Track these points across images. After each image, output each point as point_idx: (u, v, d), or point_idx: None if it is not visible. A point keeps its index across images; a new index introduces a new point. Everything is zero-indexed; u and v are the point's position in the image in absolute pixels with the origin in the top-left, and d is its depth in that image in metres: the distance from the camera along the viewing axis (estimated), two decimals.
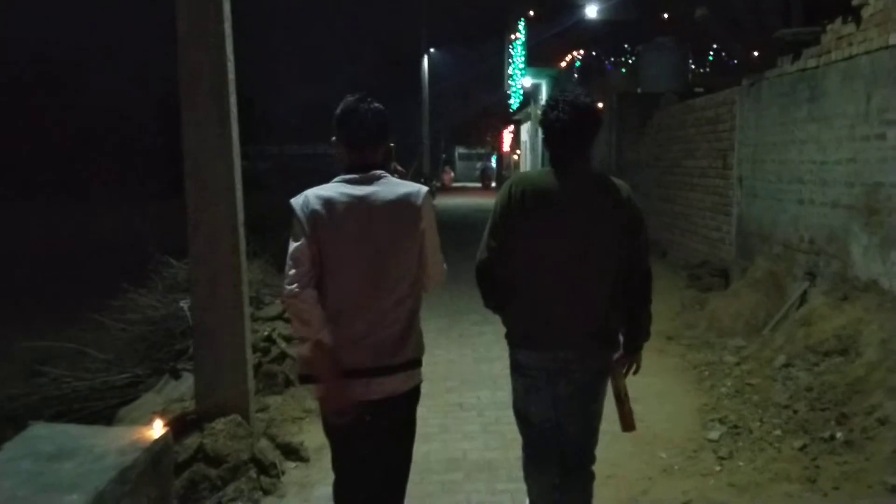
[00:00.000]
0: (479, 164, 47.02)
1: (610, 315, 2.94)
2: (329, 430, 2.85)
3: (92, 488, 2.39)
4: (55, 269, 10.38)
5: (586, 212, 2.89)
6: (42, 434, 2.84)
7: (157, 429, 2.85)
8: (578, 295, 2.88)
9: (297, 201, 2.67)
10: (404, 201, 2.73)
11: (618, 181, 3.02)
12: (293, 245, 2.62)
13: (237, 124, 4.28)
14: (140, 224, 12.15)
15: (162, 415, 4.15)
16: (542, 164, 3.73)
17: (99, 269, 9.24)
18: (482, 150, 49.91)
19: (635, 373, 3.13)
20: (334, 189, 2.70)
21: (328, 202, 2.64)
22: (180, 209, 4.37)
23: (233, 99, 4.24)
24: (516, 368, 3.08)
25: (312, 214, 2.62)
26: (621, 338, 3.04)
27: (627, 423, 3.14)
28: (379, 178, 2.74)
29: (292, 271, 2.58)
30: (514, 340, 3.04)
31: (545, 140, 3.03)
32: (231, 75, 4.23)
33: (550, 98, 3.02)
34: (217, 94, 4.20)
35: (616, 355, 3.04)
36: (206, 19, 4.12)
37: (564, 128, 2.90)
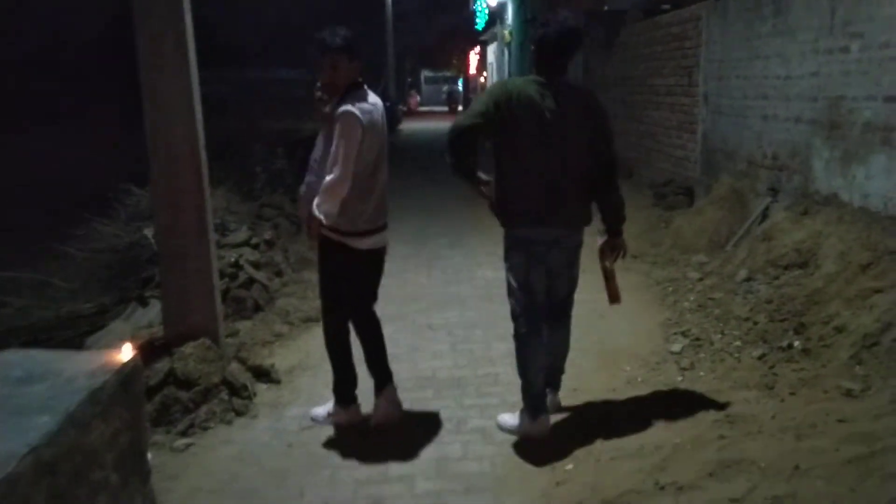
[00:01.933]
0: (445, 88, 46.44)
1: (587, 198, 3.69)
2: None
3: (62, 410, 2.39)
4: (12, 200, 10.15)
5: (566, 116, 3.55)
6: (10, 359, 2.83)
7: (127, 352, 2.85)
8: (563, 183, 3.57)
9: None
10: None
11: (588, 90, 3.79)
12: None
13: (194, 42, 4.16)
14: (98, 151, 11.90)
15: (131, 340, 4.15)
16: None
17: (58, 198, 9.07)
18: (448, 73, 49.27)
19: (623, 257, 3.85)
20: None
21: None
22: (137, 135, 4.29)
23: (188, 15, 4.11)
24: (518, 245, 3.70)
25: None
26: (602, 223, 3.75)
27: (613, 296, 3.86)
28: None
29: None
30: (518, 221, 3.67)
31: (535, 54, 3.64)
32: None
33: (544, 18, 3.70)
34: (172, 12, 4.07)
35: (601, 240, 3.78)
36: None
37: (555, 46, 3.57)
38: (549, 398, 3.96)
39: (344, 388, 4.00)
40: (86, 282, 6.23)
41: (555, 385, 4.03)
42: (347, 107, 3.58)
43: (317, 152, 3.78)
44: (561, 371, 4.03)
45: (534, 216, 3.62)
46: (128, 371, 2.87)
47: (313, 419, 4.02)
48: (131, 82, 4.43)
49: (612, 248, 3.78)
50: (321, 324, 4.07)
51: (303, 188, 3.83)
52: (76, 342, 5.29)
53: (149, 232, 5.92)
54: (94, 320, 5.68)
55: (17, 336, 5.45)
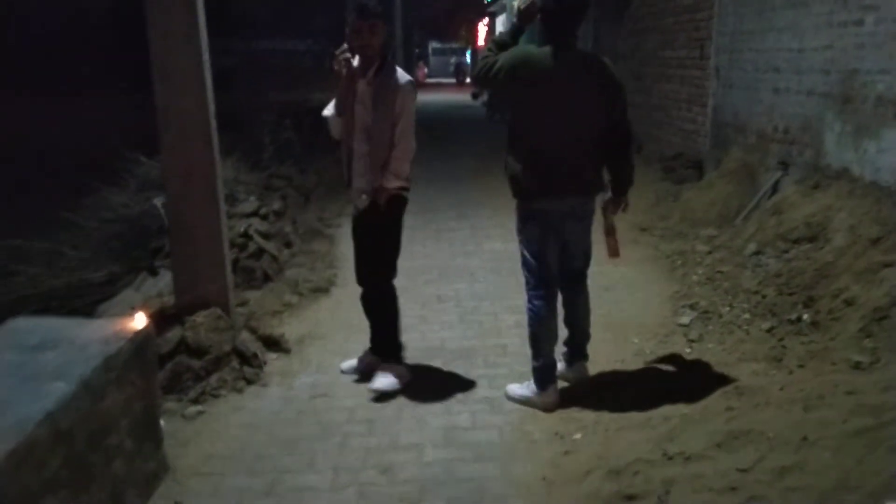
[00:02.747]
0: (453, 59, 46.07)
1: (600, 167, 3.74)
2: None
3: (77, 376, 2.42)
4: (23, 169, 10.17)
5: (579, 84, 3.57)
6: (24, 326, 2.86)
7: (140, 319, 2.88)
8: (577, 153, 3.60)
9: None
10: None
11: (602, 58, 3.75)
12: None
13: (204, 11, 4.14)
14: (107, 119, 11.87)
15: (142, 309, 4.17)
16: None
17: (67, 166, 9.07)
18: (456, 45, 48.85)
19: (625, 210, 3.90)
20: None
21: None
22: (145, 103, 4.28)
23: None
24: (533, 217, 3.71)
25: None
26: (609, 182, 3.82)
27: (613, 251, 3.93)
28: None
29: None
30: (533, 192, 3.65)
31: (545, 23, 3.63)
32: None
33: None
34: None
35: (606, 197, 3.85)
36: None
37: (562, 10, 3.58)
38: (576, 366, 4.05)
39: (399, 347, 4.21)
40: (96, 251, 6.24)
41: (582, 353, 4.07)
42: (407, 77, 3.85)
43: (361, 119, 3.82)
44: (586, 337, 4.07)
45: (548, 186, 3.63)
46: (141, 339, 2.90)
47: (383, 390, 4.00)
48: (140, 52, 4.42)
49: (616, 205, 3.85)
50: (375, 289, 4.12)
51: (355, 158, 3.89)
52: (87, 311, 5.32)
53: (159, 202, 5.93)
54: (104, 289, 5.71)
55: (28, 304, 5.48)
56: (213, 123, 4.27)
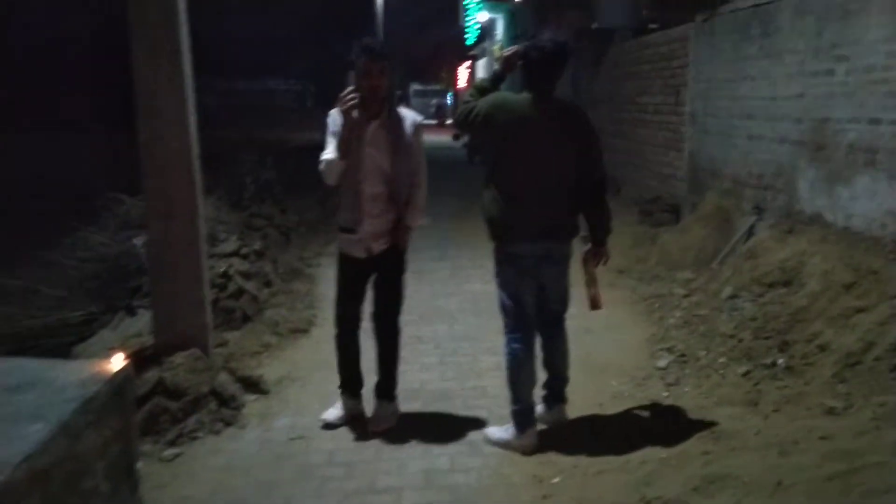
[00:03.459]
0: (434, 101, 46.53)
1: (574, 212, 3.79)
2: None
3: (55, 419, 2.39)
4: (11, 203, 10.12)
5: (555, 132, 3.66)
6: (1, 367, 2.83)
7: (118, 361, 2.86)
8: (552, 198, 3.68)
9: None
10: None
11: (577, 106, 3.92)
12: None
13: (189, 54, 4.19)
14: (86, 158, 11.84)
15: (120, 350, 4.15)
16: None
17: (46, 205, 9.04)
18: (437, 87, 49.39)
19: (605, 263, 3.94)
20: None
21: None
22: (126, 143, 4.31)
23: (184, 26, 4.15)
24: (509, 260, 3.76)
25: None
26: (587, 232, 3.88)
27: (595, 303, 3.92)
28: None
29: None
30: (508, 236, 3.73)
31: (526, 71, 3.71)
32: (183, 4, 4.13)
33: (534, 35, 3.91)
34: (168, 21, 4.10)
35: (585, 248, 3.90)
36: None
37: (544, 61, 3.64)
38: (555, 410, 4.06)
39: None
40: (74, 290, 6.20)
41: (560, 396, 4.08)
42: (415, 114, 4.02)
43: (374, 161, 3.82)
44: (565, 381, 4.08)
45: (524, 230, 3.68)
46: (119, 380, 2.88)
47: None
48: (124, 90, 4.46)
49: (596, 256, 3.89)
50: (392, 326, 4.14)
51: (366, 201, 3.87)
52: (64, 351, 5.28)
53: (138, 241, 5.91)
54: (81, 329, 5.66)
55: (3, 343, 5.43)
56: (197, 164, 4.30)
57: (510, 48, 3.88)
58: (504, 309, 3.84)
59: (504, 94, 3.81)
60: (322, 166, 3.82)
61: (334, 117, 3.84)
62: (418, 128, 3.95)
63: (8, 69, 24.16)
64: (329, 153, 3.80)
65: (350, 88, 3.73)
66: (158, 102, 4.15)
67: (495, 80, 3.91)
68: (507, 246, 3.77)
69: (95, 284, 6.27)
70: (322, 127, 4.00)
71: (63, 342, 5.50)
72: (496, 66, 4.00)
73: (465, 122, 3.78)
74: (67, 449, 2.43)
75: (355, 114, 3.72)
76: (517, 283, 3.77)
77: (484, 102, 3.71)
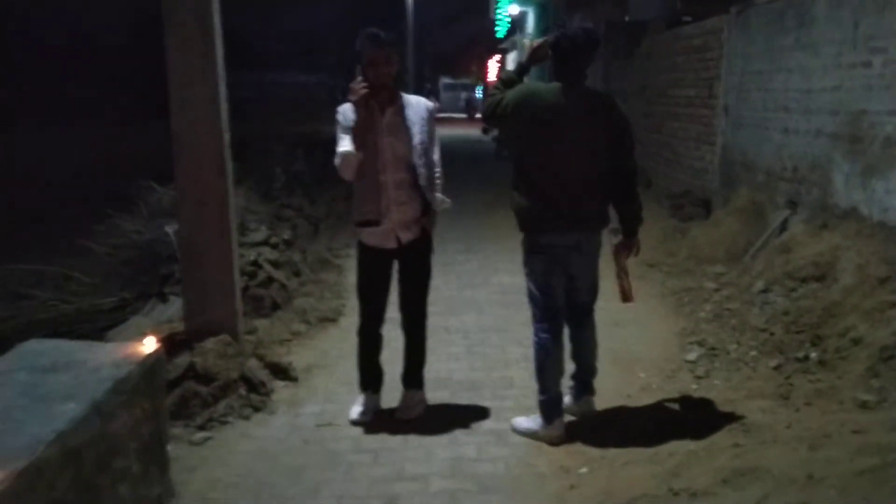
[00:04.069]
0: (463, 95, 46.50)
1: (604, 202, 3.76)
2: None
3: (88, 398, 2.44)
4: (37, 195, 10.30)
5: (586, 122, 3.61)
6: (36, 349, 2.89)
7: (150, 344, 2.90)
8: (583, 188, 3.64)
9: None
10: None
11: (610, 95, 3.84)
12: None
13: (222, 45, 4.22)
14: (121, 148, 12.00)
15: (152, 334, 4.20)
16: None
17: (81, 193, 9.18)
18: (467, 81, 49.34)
19: (636, 254, 3.87)
20: None
21: None
22: (161, 132, 4.35)
23: (217, 18, 4.18)
24: (538, 250, 3.75)
25: None
26: (619, 225, 3.82)
27: (627, 295, 3.87)
28: None
29: None
30: (538, 227, 3.71)
31: (555, 60, 3.66)
32: None
33: (561, 21, 3.81)
34: (201, 14, 4.13)
35: (616, 239, 3.85)
36: None
37: (573, 48, 3.59)
38: (583, 401, 4.04)
39: None
40: (107, 277, 6.29)
41: (588, 388, 4.06)
42: (426, 100, 4.00)
43: (393, 149, 3.80)
44: (593, 372, 4.05)
45: (553, 221, 3.66)
46: (151, 363, 2.92)
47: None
48: (158, 81, 4.51)
49: (627, 248, 3.83)
50: (421, 314, 4.13)
51: (392, 189, 3.84)
52: (97, 336, 5.36)
53: (170, 229, 5.99)
54: (114, 315, 5.75)
55: (39, 328, 5.52)
56: (228, 154, 4.34)
57: (538, 40, 3.84)
58: (532, 299, 3.83)
59: (532, 85, 3.80)
60: (337, 161, 3.76)
61: (345, 112, 3.79)
62: (431, 113, 3.93)
63: (42, 63, 24.59)
64: (344, 147, 3.74)
65: (359, 79, 3.69)
66: (191, 94, 4.19)
67: (521, 72, 3.88)
68: (537, 236, 3.75)
69: (128, 271, 6.36)
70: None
71: (96, 328, 5.59)
72: (522, 56, 3.97)
73: (493, 115, 3.75)
74: (100, 428, 2.47)
75: (364, 104, 3.68)
76: (546, 274, 3.75)
77: (512, 94, 3.67)
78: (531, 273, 3.81)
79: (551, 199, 3.64)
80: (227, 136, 4.33)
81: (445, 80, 50.34)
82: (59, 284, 6.14)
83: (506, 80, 3.85)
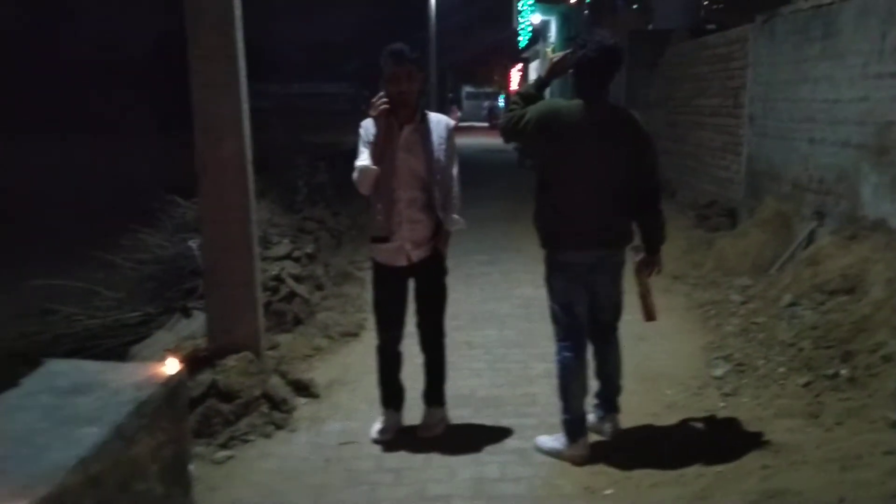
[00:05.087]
0: (485, 104, 46.50)
1: (627, 219, 3.70)
2: None
3: (110, 421, 2.43)
4: (61, 208, 10.39)
5: (608, 139, 3.55)
6: (58, 370, 2.89)
7: (173, 365, 2.89)
8: (605, 205, 3.59)
9: None
10: None
11: (631, 112, 3.72)
12: None
13: (245, 60, 4.23)
14: (144, 162, 12.09)
15: (174, 352, 4.21)
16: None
17: (105, 207, 9.25)
18: (489, 90, 49.35)
19: (658, 272, 3.84)
20: None
21: None
22: (182, 146, 4.37)
23: (240, 34, 4.19)
24: (559, 268, 3.71)
25: None
26: (642, 242, 3.76)
27: (650, 314, 3.85)
28: None
29: None
30: (559, 244, 3.68)
31: (576, 76, 3.63)
32: (238, 11, 4.18)
33: (581, 39, 3.65)
34: (223, 28, 4.15)
35: (638, 257, 3.79)
36: None
37: (593, 66, 3.54)
38: (608, 419, 3.98)
39: None
40: (131, 291, 6.34)
41: (613, 406, 4.00)
42: (447, 118, 3.96)
43: (409, 166, 3.77)
44: (618, 390, 4.00)
45: (575, 238, 3.62)
46: (173, 384, 2.91)
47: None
48: (178, 95, 4.54)
49: (649, 265, 3.79)
50: (438, 332, 4.11)
51: (403, 207, 3.80)
52: (121, 351, 5.39)
53: (193, 244, 6.02)
54: (138, 330, 5.79)
55: (63, 343, 5.57)
56: (250, 169, 4.35)
57: (559, 53, 3.80)
58: (555, 317, 3.79)
59: (554, 101, 3.75)
60: (355, 174, 3.76)
61: (366, 126, 3.79)
62: (451, 132, 3.90)
63: (67, 75, 24.92)
64: (362, 160, 3.75)
65: (380, 94, 3.71)
66: (213, 107, 4.20)
67: (540, 87, 3.84)
68: (559, 254, 3.71)
69: (152, 286, 6.40)
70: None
71: (121, 342, 5.62)
72: (542, 71, 3.93)
73: (514, 131, 3.71)
74: (122, 452, 2.46)
75: (384, 120, 3.68)
76: (568, 292, 3.71)
77: (533, 110, 3.62)
78: (553, 291, 3.77)
79: (572, 217, 3.61)
80: (249, 152, 4.34)
81: (468, 89, 50.37)
82: (84, 299, 6.19)
83: (525, 96, 3.80)
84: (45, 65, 26.69)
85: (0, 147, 16.41)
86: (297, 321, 5.65)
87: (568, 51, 3.72)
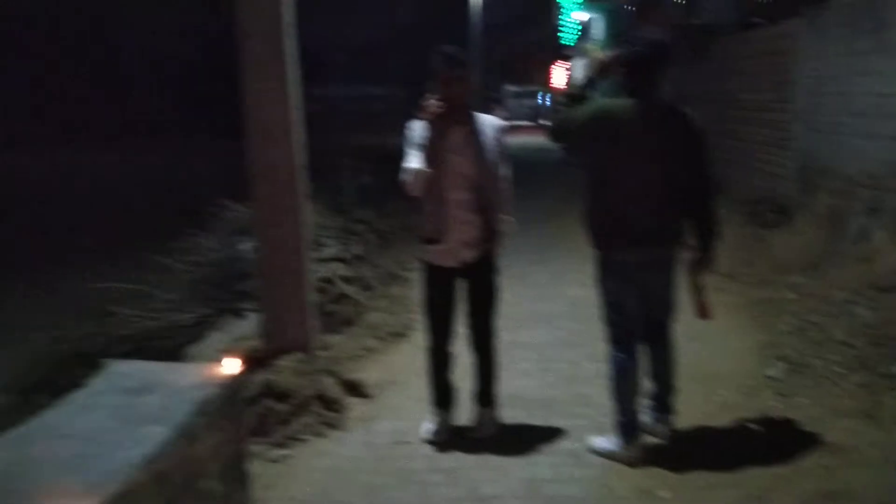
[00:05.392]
0: (528, 102, 46.34)
1: (679, 217, 3.66)
2: None
3: (175, 420, 2.50)
4: (118, 212, 10.64)
5: (660, 137, 3.53)
6: (123, 370, 2.97)
7: (233, 365, 2.96)
8: (657, 203, 3.56)
9: None
10: None
11: (684, 108, 3.67)
12: None
13: (296, 67, 4.30)
14: (197, 166, 12.32)
15: (231, 353, 4.28)
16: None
17: (160, 211, 9.45)
18: (532, 88, 49.14)
19: (712, 270, 3.76)
20: None
21: None
22: (236, 151, 4.46)
23: (290, 41, 4.26)
24: (611, 267, 3.69)
25: None
26: (696, 239, 3.69)
27: (705, 311, 3.77)
28: None
29: None
30: (611, 244, 3.65)
31: (626, 76, 3.58)
32: (287, 17, 4.25)
33: (631, 36, 3.71)
34: (273, 36, 4.22)
35: (692, 255, 3.72)
36: None
37: (644, 64, 3.54)
38: (662, 420, 3.95)
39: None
40: (185, 293, 6.46)
41: (667, 407, 3.97)
42: (496, 119, 3.98)
43: (459, 168, 3.80)
44: (672, 391, 3.95)
45: (628, 237, 3.60)
46: (233, 384, 2.98)
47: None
48: (230, 100, 4.62)
49: (703, 263, 3.72)
50: (489, 334, 4.11)
51: (453, 209, 3.83)
52: (177, 352, 5.50)
53: (245, 246, 6.11)
54: (193, 331, 5.88)
55: (122, 344, 5.70)
56: (303, 175, 4.42)
57: (607, 52, 3.78)
58: (606, 318, 3.77)
59: (604, 102, 3.70)
60: (406, 176, 3.78)
61: (416, 128, 3.82)
62: (501, 132, 3.91)
63: (123, 84, 25.51)
64: (413, 163, 3.77)
65: (431, 96, 3.73)
66: (264, 114, 4.28)
67: (588, 86, 3.83)
68: (609, 253, 3.69)
69: (205, 288, 6.51)
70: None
71: (176, 343, 5.73)
72: (590, 70, 3.91)
73: (564, 133, 3.72)
74: (186, 451, 2.53)
75: (436, 122, 3.70)
76: (620, 292, 3.69)
77: (583, 111, 3.61)
78: (605, 291, 3.75)
79: (624, 216, 3.58)
80: (300, 155, 4.41)
81: (510, 88, 50.20)
82: (140, 301, 6.33)
83: (574, 96, 3.80)
84: (102, 72, 27.35)
85: (59, 153, 16.86)
86: (347, 322, 5.71)
87: (617, 49, 3.71)
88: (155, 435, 2.40)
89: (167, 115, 24.39)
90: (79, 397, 2.72)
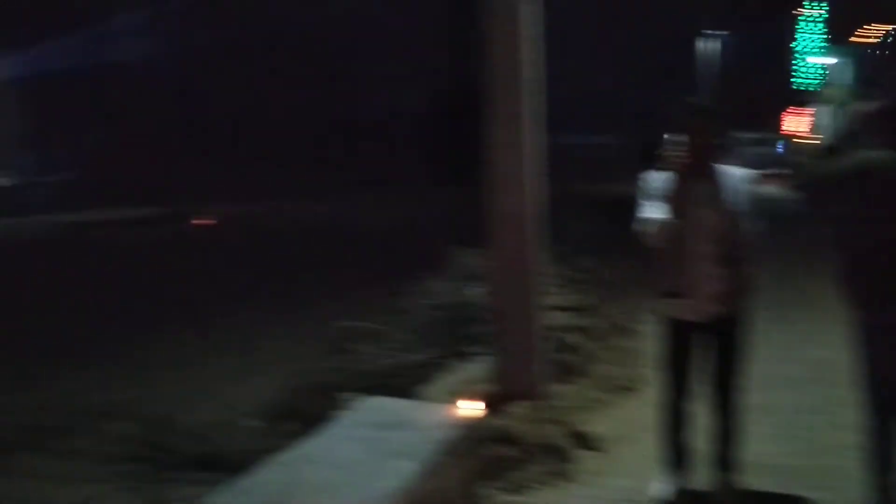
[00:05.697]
0: (764, 150, 44.11)
1: None
2: None
3: (420, 456, 2.62)
4: (363, 254, 11.38)
5: None
6: (373, 406, 3.17)
7: (473, 408, 3.05)
8: None
9: None
10: None
11: None
12: None
13: (540, 119, 4.43)
14: (434, 212, 12.91)
15: (466, 395, 4.40)
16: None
17: (397, 253, 9.98)
18: (767, 135, 46.83)
19: None
20: None
21: None
22: (460, 198, 4.64)
23: (535, 97, 4.40)
24: (867, 331, 3.37)
25: None
26: None
27: None
28: None
29: None
30: (869, 305, 3.34)
31: (887, 128, 3.37)
32: (529, 73, 4.40)
33: (885, 81, 3.17)
34: (514, 92, 4.39)
35: None
36: (514, 22, 4.32)
37: None
38: None
39: None
40: (417, 334, 6.73)
41: None
42: (751, 172, 3.96)
43: (705, 220, 3.72)
44: None
45: (886, 299, 3.31)
46: (472, 425, 3.08)
47: None
48: (448, 150, 4.82)
49: None
50: (732, 396, 3.95)
51: (700, 263, 3.75)
52: (409, 389, 5.73)
53: (475, 291, 6.28)
54: (423, 371, 6.11)
55: (360, 379, 6.03)
56: (536, 223, 4.51)
57: (869, 104, 3.53)
58: (861, 384, 3.46)
59: (866, 155, 3.49)
60: (648, 227, 3.73)
61: (653, 178, 3.77)
62: (748, 184, 3.78)
63: (356, 136, 27.48)
64: (655, 213, 3.71)
65: (677, 146, 3.68)
66: (502, 167, 4.46)
67: (849, 140, 3.60)
68: (867, 316, 3.40)
69: (435, 330, 6.75)
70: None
71: (407, 382, 5.97)
72: (853, 122, 3.66)
73: (821, 185, 3.53)
74: (430, 485, 2.64)
75: (682, 173, 3.66)
76: (877, 358, 3.39)
77: (844, 164, 3.44)
78: (860, 356, 3.46)
79: (885, 276, 3.30)
80: (535, 207, 4.51)
81: (743, 135, 48.17)
82: (375, 340, 6.68)
83: (831, 148, 3.60)
84: (329, 126, 29.63)
85: (293, 205, 18.37)
86: (575, 372, 5.67)
87: (880, 102, 3.47)
88: (405, 468, 2.53)
89: (398, 164, 25.85)
90: (334, 429, 2.93)
